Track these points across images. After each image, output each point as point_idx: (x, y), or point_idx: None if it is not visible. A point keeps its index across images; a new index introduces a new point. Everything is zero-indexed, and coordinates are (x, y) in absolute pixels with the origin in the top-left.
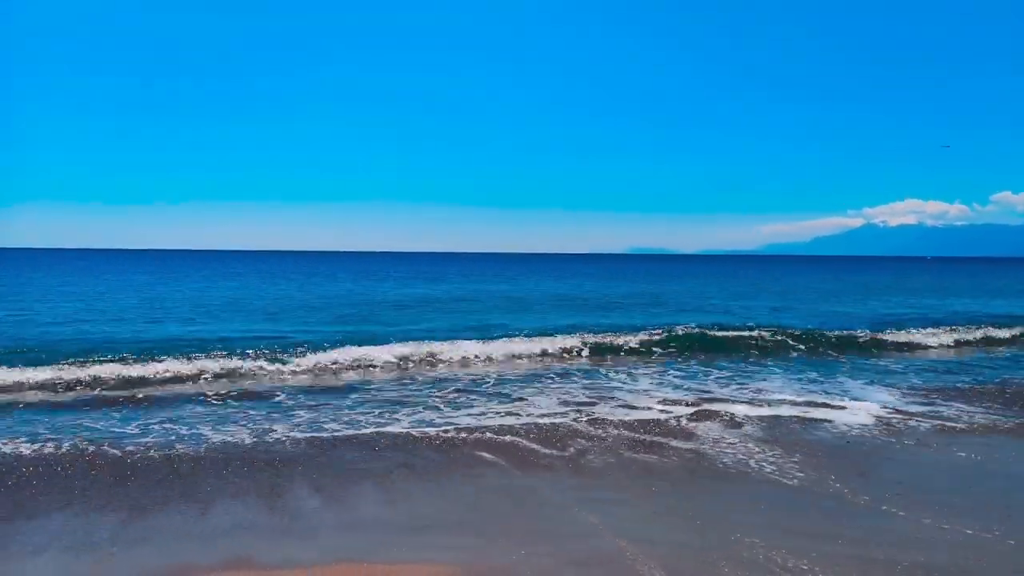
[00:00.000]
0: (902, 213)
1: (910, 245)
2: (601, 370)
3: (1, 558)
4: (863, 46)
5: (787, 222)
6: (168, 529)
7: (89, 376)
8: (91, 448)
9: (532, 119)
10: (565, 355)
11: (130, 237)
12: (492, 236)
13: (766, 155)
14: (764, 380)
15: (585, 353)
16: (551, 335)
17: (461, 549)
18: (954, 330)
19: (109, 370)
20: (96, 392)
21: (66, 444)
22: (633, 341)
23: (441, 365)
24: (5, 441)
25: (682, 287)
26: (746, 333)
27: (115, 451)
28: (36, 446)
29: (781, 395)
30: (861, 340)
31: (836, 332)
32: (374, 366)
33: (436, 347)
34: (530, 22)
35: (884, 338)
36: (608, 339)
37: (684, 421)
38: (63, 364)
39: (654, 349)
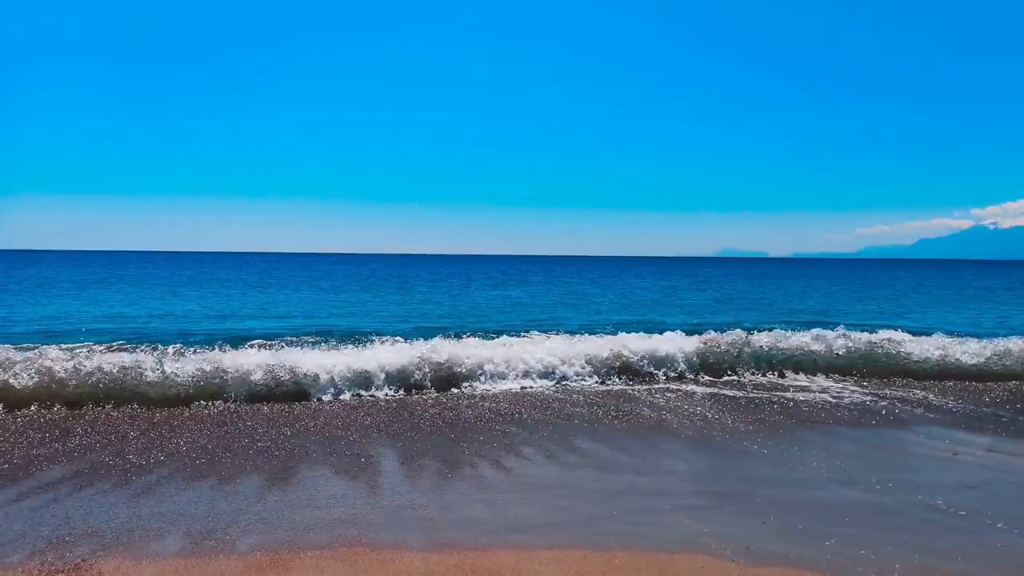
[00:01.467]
0: (1016, 214)
1: None
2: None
3: (124, 531)
4: (966, 33)
5: (889, 223)
6: None
7: None
8: None
9: (616, 121)
10: None
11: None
12: (577, 238)
13: (864, 152)
14: None
15: None
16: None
17: None
18: None
19: None
20: None
21: None
22: None
23: None
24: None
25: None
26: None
27: None
28: None
29: None
30: None
31: None
32: None
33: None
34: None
35: None
36: None
37: None
38: None
39: None
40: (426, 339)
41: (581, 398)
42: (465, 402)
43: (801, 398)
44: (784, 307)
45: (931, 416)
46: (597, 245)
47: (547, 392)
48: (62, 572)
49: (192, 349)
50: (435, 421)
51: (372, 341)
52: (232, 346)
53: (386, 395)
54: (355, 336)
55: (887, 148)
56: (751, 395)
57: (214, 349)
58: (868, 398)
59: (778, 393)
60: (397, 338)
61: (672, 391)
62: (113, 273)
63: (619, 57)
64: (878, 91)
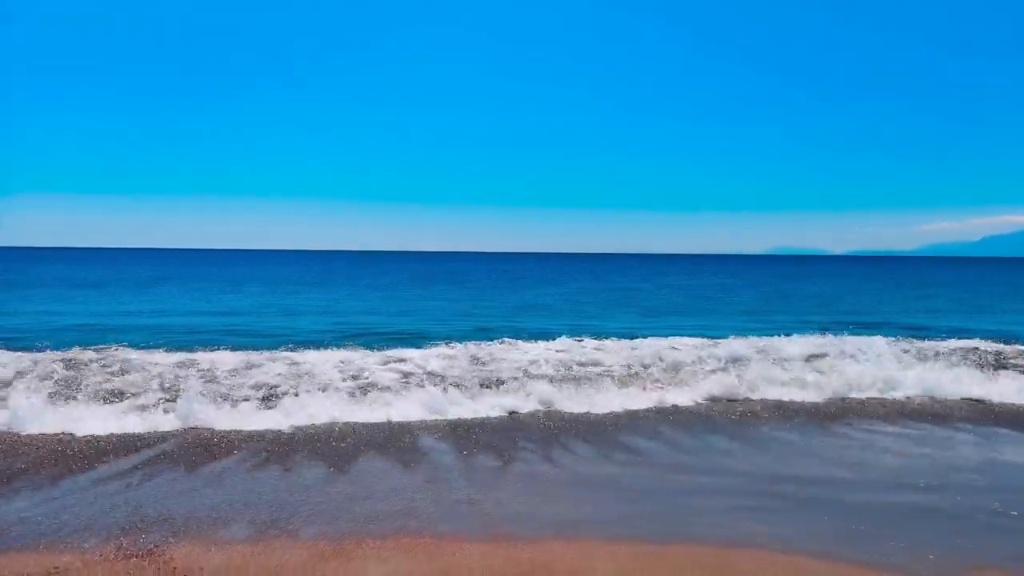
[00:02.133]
0: None
1: None
2: None
3: (204, 523)
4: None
5: (952, 219)
6: None
7: None
8: None
9: (673, 119)
10: None
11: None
12: (631, 236)
13: (924, 144)
14: None
15: None
16: None
17: None
18: None
19: None
20: None
21: None
22: None
23: None
24: None
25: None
26: None
27: None
28: None
29: None
30: None
31: None
32: None
33: None
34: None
35: None
36: None
37: None
38: None
39: None
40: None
41: None
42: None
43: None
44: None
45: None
46: (651, 243)
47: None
48: (136, 556)
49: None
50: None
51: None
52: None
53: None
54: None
55: (945, 147)
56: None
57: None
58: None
59: None
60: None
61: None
62: (172, 272)
63: (652, 66)
64: (933, 95)
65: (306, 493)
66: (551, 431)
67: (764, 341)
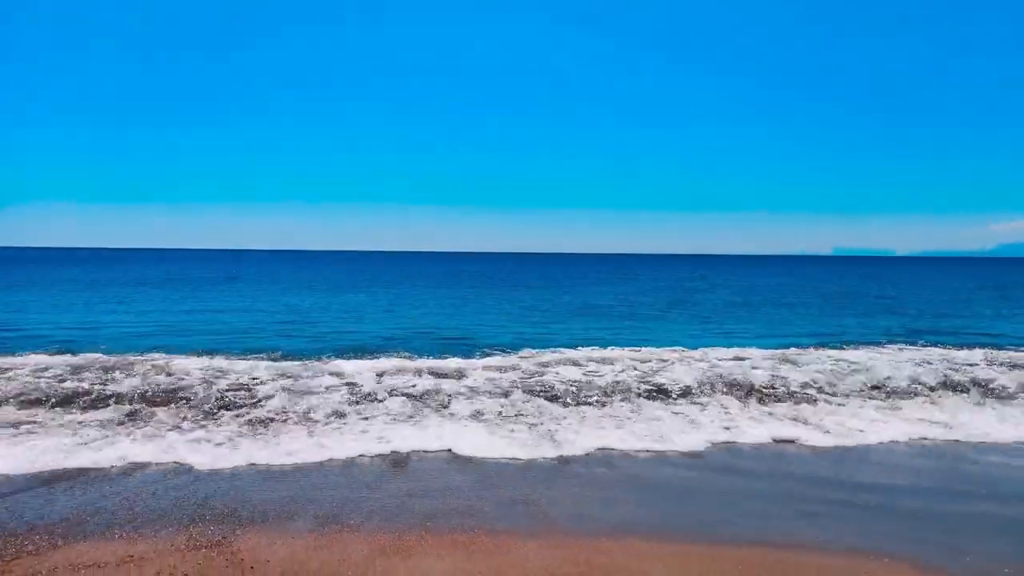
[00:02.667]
0: None
1: None
2: None
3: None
4: None
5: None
6: None
7: None
8: None
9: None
10: None
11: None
12: (686, 237)
13: (993, 138)
14: None
15: None
16: None
17: None
18: None
19: None
20: None
21: None
22: None
23: None
24: None
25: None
26: None
27: None
28: None
29: None
30: None
31: None
32: None
33: None
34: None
35: None
36: None
37: None
38: None
39: None
40: None
41: None
42: None
43: None
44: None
45: None
46: (717, 244)
47: None
48: (205, 548)
49: None
50: None
51: None
52: None
53: None
54: None
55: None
56: None
57: None
58: None
59: None
60: None
61: None
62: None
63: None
64: (990, 94)
65: (366, 490)
66: None
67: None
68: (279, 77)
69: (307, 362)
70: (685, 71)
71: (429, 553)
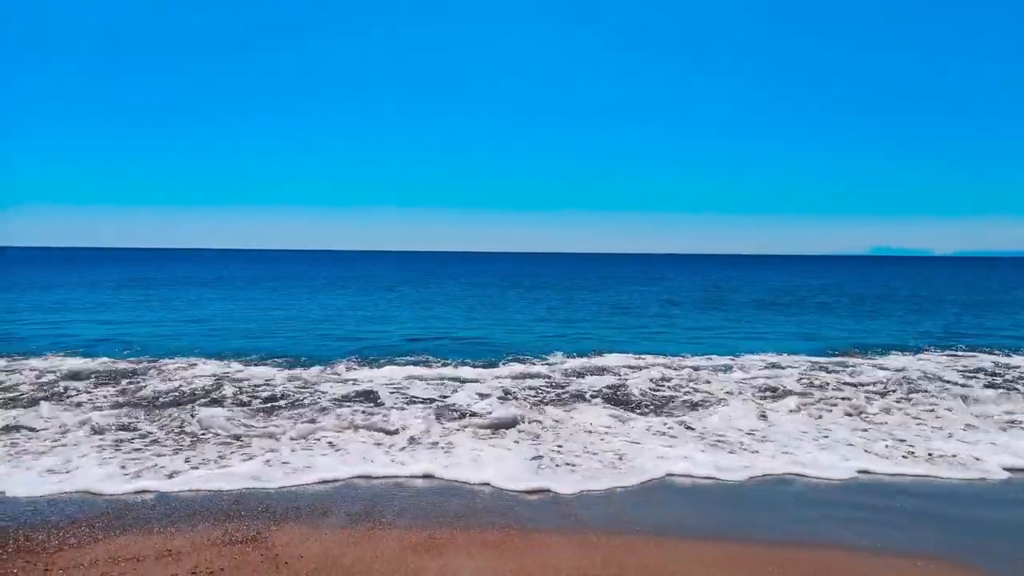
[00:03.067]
0: None
1: None
2: None
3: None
4: None
5: None
6: None
7: None
8: None
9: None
10: None
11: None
12: (729, 238)
13: None
14: None
15: None
16: None
17: None
18: None
19: None
20: None
21: None
22: None
23: None
24: None
25: None
26: None
27: None
28: None
29: None
30: None
31: None
32: None
33: None
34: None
35: None
36: None
37: None
38: None
39: None
40: None
41: None
42: None
43: None
44: None
45: None
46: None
47: None
48: (240, 543)
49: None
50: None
51: None
52: None
53: None
54: None
55: None
56: None
57: None
58: None
59: None
60: None
61: None
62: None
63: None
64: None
65: (397, 488)
66: None
67: None
68: (300, 84)
69: (323, 370)
70: (699, 80)
71: (460, 551)
